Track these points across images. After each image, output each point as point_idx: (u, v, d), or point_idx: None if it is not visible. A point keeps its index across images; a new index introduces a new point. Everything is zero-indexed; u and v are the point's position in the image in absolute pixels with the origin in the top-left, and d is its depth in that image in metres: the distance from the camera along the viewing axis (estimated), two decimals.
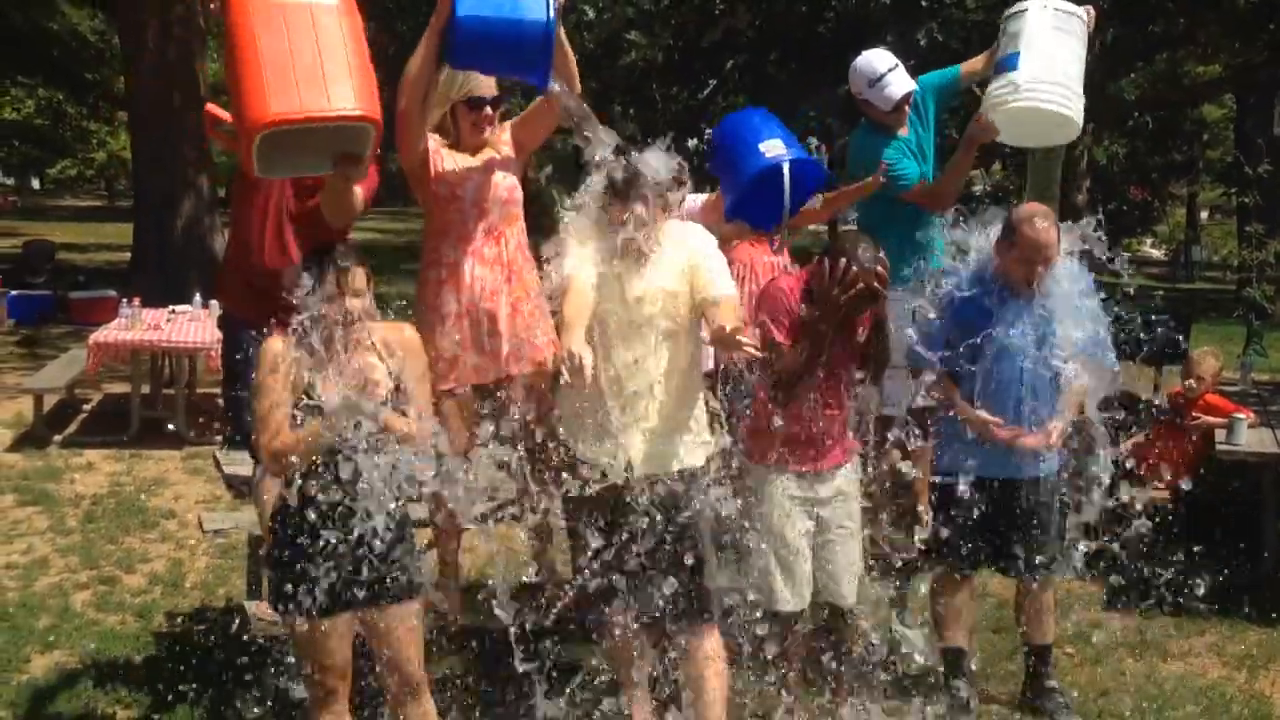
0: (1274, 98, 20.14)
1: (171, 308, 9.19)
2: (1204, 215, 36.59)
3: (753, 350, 3.33)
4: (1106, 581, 4.69)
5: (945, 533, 4.33)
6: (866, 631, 4.17)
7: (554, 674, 4.42)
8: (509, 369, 3.87)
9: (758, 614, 3.90)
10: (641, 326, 3.56)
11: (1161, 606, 4.97)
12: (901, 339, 4.23)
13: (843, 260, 3.72)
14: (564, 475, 3.77)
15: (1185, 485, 5.34)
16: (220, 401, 6.01)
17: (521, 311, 3.89)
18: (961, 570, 4.37)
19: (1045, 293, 4.14)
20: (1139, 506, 4.29)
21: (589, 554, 3.68)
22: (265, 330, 3.71)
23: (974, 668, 4.56)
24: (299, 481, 3.14)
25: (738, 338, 3.28)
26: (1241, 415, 6.00)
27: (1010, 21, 4.66)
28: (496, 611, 3.55)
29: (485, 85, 3.83)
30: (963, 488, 4.23)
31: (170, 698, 4.17)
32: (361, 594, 3.19)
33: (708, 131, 4.56)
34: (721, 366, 4.25)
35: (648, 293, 3.56)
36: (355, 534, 3.15)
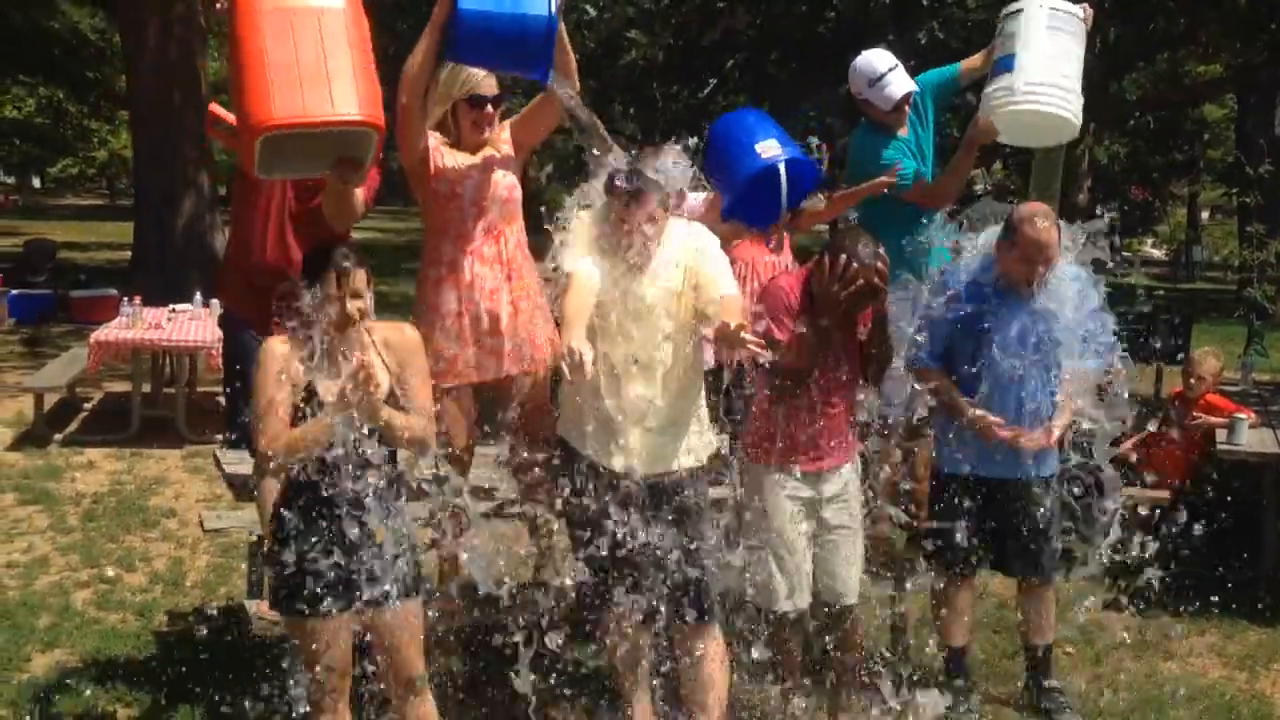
0: (1275, 97, 20.13)
1: (172, 306, 9.19)
2: (1205, 215, 36.59)
3: (757, 349, 3.32)
4: (1106, 581, 4.69)
5: (945, 533, 4.34)
6: (867, 630, 4.17)
7: (554, 673, 4.43)
8: (510, 368, 3.87)
9: (758, 614, 3.90)
10: (644, 326, 3.55)
11: (1162, 606, 4.97)
12: (901, 339, 4.23)
13: (843, 256, 3.72)
14: (565, 474, 3.78)
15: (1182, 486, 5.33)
16: (220, 400, 6.02)
17: (522, 310, 3.89)
18: (962, 570, 4.37)
19: (1046, 292, 4.14)
20: (1140, 506, 4.29)
21: (589, 554, 3.68)
22: (266, 331, 3.73)
23: (974, 667, 4.57)
24: (299, 480, 3.14)
25: (742, 335, 3.27)
26: (1242, 415, 6.00)
27: (1007, 21, 4.65)
28: (487, 586, 3.54)
29: (486, 84, 3.83)
30: (961, 487, 4.24)
31: (171, 697, 4.17)
32: (362, 593, 3.19)
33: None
34: (722, 366, 4.25)
35: (650, 292, 3.56)
36: (355, 533, 3.15)
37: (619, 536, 3.58)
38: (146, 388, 8.86)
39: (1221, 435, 5.99)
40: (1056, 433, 4.16)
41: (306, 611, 3.14)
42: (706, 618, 3.65)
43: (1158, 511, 5.00)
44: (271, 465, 3.17)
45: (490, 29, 3.47)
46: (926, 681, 4.45)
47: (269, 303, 3.92)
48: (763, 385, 3.87)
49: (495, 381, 3.89)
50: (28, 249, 16.49)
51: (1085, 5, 4.65)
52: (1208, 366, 6.54)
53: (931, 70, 5.08)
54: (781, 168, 4.33)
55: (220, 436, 5.74)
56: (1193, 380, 6.50)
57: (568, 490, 3.77)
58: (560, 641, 3.50)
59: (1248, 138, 21.21)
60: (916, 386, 4.42)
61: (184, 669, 4.37)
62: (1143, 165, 26.85)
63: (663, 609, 3.66)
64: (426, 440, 3.25)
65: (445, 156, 3.84)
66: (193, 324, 8.58)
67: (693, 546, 3.61)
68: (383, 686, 3.35)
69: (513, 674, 3.62)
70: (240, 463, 4.12)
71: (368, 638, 3.28)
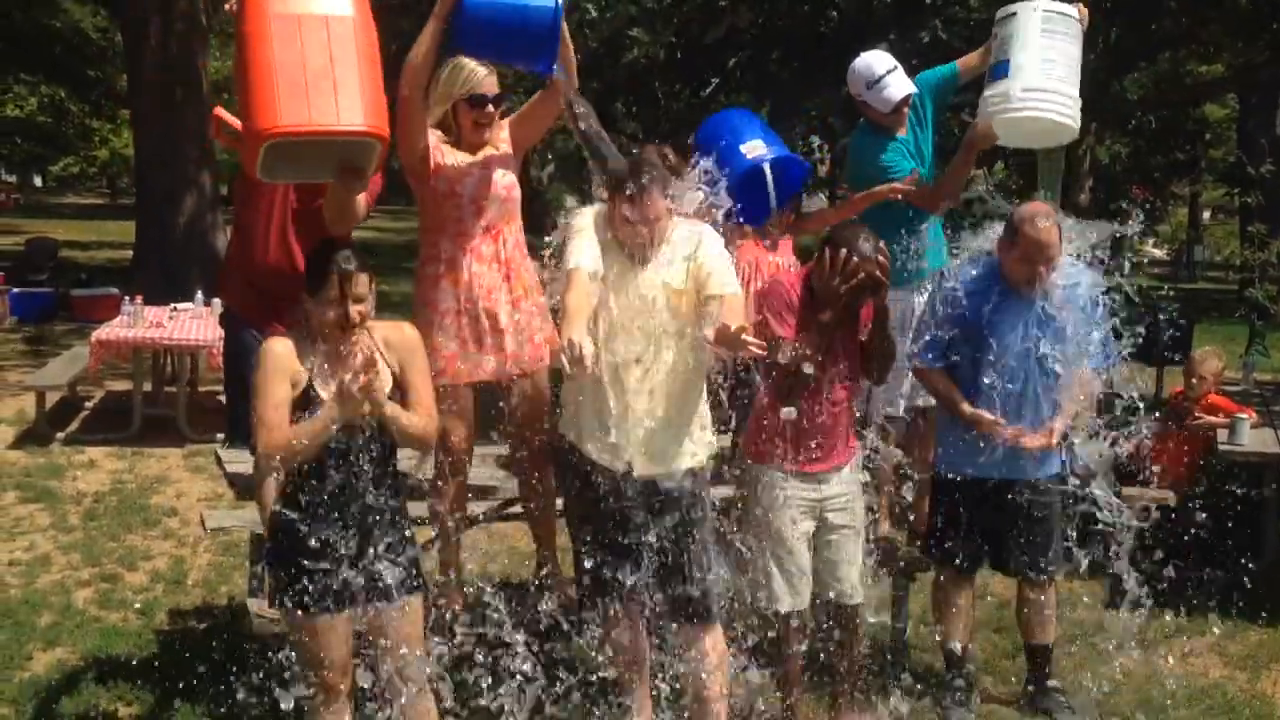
0: (1277, 97, 20.09)
1: (173, 305, 9.21)
2: (1206, 215, 36.56)
3: (756, 349, 3.32)
4: (1107, 581, 4.69)
5: (945, 532, 4.34)
6: (869, 630, 4.17)
7: (555, 673, 4.42)
8: (508, 368, 3.87)
9: (757, 613, 3.90)
10: (645, 325, 3.55)
11: (1163, 606, 4.97)
12: (900, 338, 4.23)
13: (843, 251, 3.72)
14: (566, 474, 3.78)
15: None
16: (221, 399, 6.02)
17: (521, 310, 3.89)
18: (962, 570, 4.37)
19: (1047, 292, 4.13)
20: (1140, 506, 4.29)
21: (590, 553, 3.68)
22: (267, 330, 3.72)
23: (975, 667, 4.57)
24: (299, 479, 3.14)
25: (742, 337, 3.27)
26: (1244, 415, 6.01)
27: (1001, 25, 4.64)
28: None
29: (487, 83, 3.83)
30: (963, 487, 4.24)
31: (172, 695, 4.18)
32: (362, 592, 3.20)
33: None
34: (721, 365, 4.25)
35: (652, 290, 3.56)
36: (355, 532, 3.16)
37: (619, 536, 3.58)
38: (148, 386, 8.87)
39: (1223, 435, 5.99)
40: (1057, 433, 4.16)
41: (307, 610, 3.15)
42: (707, 618, 3.65)
43: (1159, 511, 5.01)
44: (272, 464, 3.17)
45: (494, 20, 3.47)
46: (927, 682, 4.46)
47: (270, 302, 3.93)
48: (763, 384, 3.87)
49: (494, 381, 3.89)
50: (29, 247, 16.51)
51: (1080, 5, 4.64)
52: (1209, 367, 6.54)
53: (930, 70, 5.08)
54: (766, 167, 4.33)
55: (221, 435, 5.75)
56: (1194, 380, 6.50)
57: (569, 489, 3.77)
58: (560, 641, 3.50)
59: (1249, 138, 21.19)
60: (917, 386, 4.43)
61: (185, 667, 4.38)
62: (1144, 165, 26.82)
63: (664, 609, 3.66)
64: (429, 438, 3.25)
65: (445, 154, 3.84)
66: (194, 323, 8.58)
67: (693, 546, 3.61)
68: (383, 685, 3.35)
69: (513, 673, 3.62)
70: (241, 462, 4.12)
71: (368, 636, 3.28)
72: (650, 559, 3.55)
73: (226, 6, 3.43)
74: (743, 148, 4.41)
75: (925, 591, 4.72)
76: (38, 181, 43.13)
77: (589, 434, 3.60)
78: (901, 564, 4.69)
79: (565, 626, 4.03)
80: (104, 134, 32.49)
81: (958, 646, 4.41)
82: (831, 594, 4.00)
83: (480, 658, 4.12)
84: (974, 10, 12.32)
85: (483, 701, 3.98)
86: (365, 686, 3.45)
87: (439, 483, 3.99)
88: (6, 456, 7.67)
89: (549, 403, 3.97)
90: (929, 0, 12.80)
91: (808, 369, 3.76)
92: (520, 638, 3.65)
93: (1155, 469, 5.97)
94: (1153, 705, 4.39)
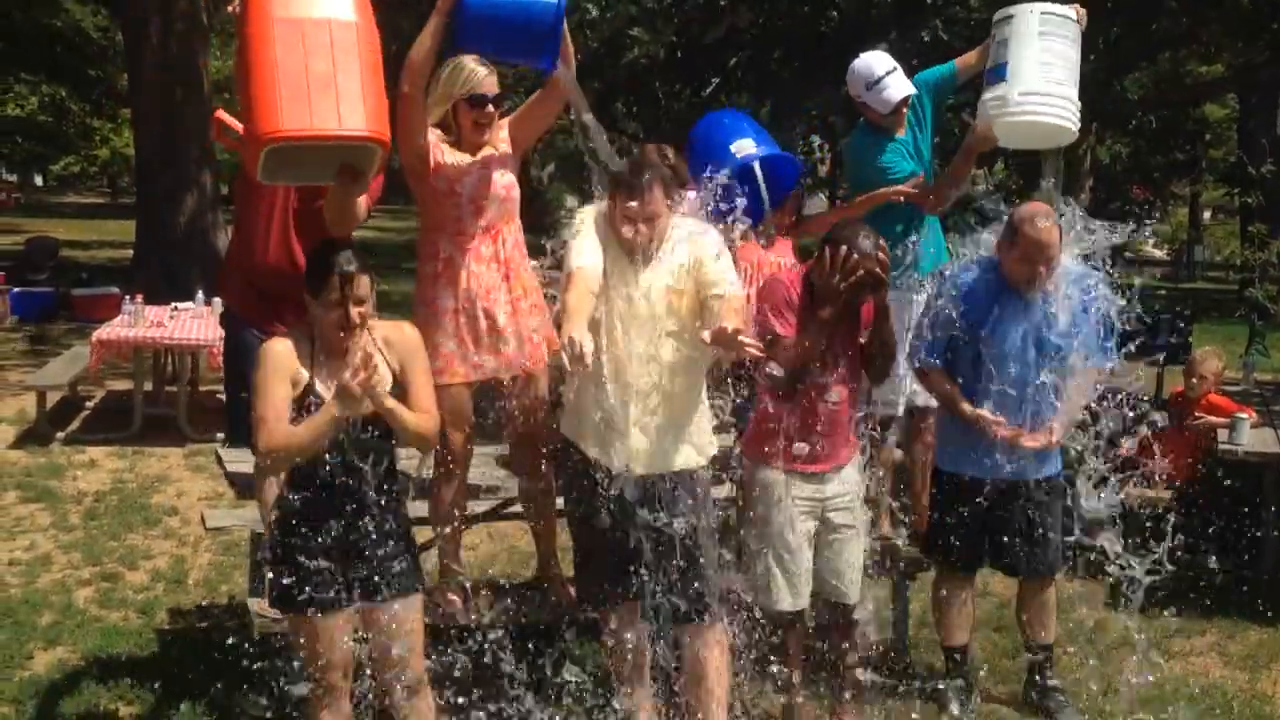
0: (1277, 97, 20.11)
1: (174, 305, 9.21)
2: (1207, 215, 36.56)
3: (753, 350, 3.31)
4: (1107, 581, 4.69)
5: (945, 532, 4.34)
6: (869, 629, 4.17)
7: (555, 671, 4.43)
8: (507, 368, 3.87)
9: (758, 613, 3.90)
10: (646, 324, 3.55)
11: (1163, 606, 4.97)
12: (900, 338, 4.22)
13: (843, 248, 3.72)
14: (566, 473, 3.78)
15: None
16: (222, 399, 6.02)
17: (520, 310, 3.89)
18: (962, 569, 4.38)
19: (1047, 293, 4.14)
20: (1140, 506, 4.29)
21: (590, 552, 3.69)
22: (267, 330, 3.73)
23: (975, 667, 4.57)
24: (300, 479, 3.15)
25: (739, 338, 3.27)
26: (1244, 415, 6.01)
27: (999, 27, 4.64)
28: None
29: (488, 83, 3.83)
30: (963, 487, 4.24)
31: (173, 694, 4.18)
32: (361, 591, 3.20)
33: None
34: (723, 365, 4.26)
35: (653, 290, 3.56)
36: (354, 531, 3.16)
37: (620, 535, 3.58)
38: (148, 386, 8.88)
39: (1223, 435, 6.00)
40: (1058, 433, 4.16)
41: (307, 610, 3.15)
42: (708, 617, 3.65)
43: (1159, 511, 5.00)
44: (273, 464, 3.18)
45: (496, 15, 3.46)
46: (927, 682, 4.47)
47: (271, 302, 3.93)
48: (764, 384, 3.86)
49: (493, 380, 3.89)
50: (30, 247, 16.52)
51: (1077, 6, 4.63)
52: (1209, 366, 6.55)
53: (928, 69, 5.08)
54: (756, 165, 4.33)
55: (221, 435, 5.76)
56: (1194, 380, 6.50)
57: (569, 488, 3.78)
58: (560, 640, 3.50)
59: (1249, 138, 21.20)
60: (917, 386, 4.43)
61: (185, 667, 4.38)
62: (1144, 165, 26.82)
63: (664, 608, 3.66)
64: (430, 436, 3.25)
65: (445, 153, 3.84)
66: (194, 322, 8.59)
67: (694, 545, 3.61)
68: (383, 684, 3.35)
69: (512, 671, 3.63)
70: (242, 461, 4.12)
71: (368, 635, 3.29)
72: (650, 558, 3.55)
73: (229, 8, 3.43)
74: (732, 147, 4.42)
75: (925, 591, 4.72)
76: (38, 181, 43.14)
77: (589, 433, 3.60)
78: (901, 564, 4.69)
79: (565, 626, 4.04)
80: (104, 133, 32.49)
81: (958, 646, 4.42)
82: (832, 594, 4.00)
83: (479, 657, 4.13)
84: (974, 10, 12.33)
85: (482, 701, 3.99)
86: (365, 686, 3.46)
87: (438, 482, 4.00)
88: (7, 456, 7.67)
89: (548, 402, 3.97)
90: (929, 0, 12.81)
91: (808, 364, 3.76)
92: (520, 637, 3.65)
93: (1156, 463, 5.99)
94: (1153, 705, 4.40)
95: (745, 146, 4.43)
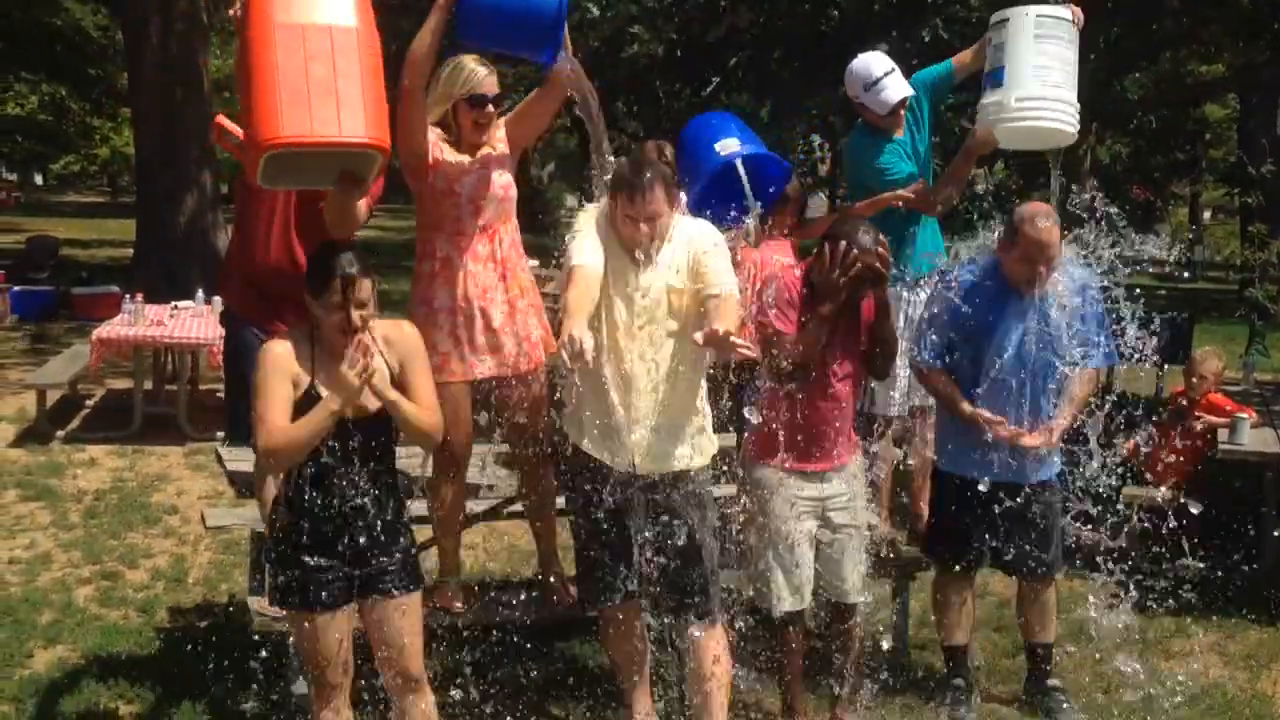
0: (1277, 97, 20.09)
1: (174, 304, 9.21)
2: (1207, 215, 36.57)
3: (745, 352, 3.31)
4: (1107, 581, 4.69)
5: (945, 532, 4.34)
6: (869, 629, 4.18)
7: (555, 670, 4.43)
8: (505, 367, 3.87)
9: (758, 612, 3.90)
10: (646, 323, 3.55)
11: (1163, 606, 4.97)
12: (898, 338, 4.22)
13: (842, 244, 3.72)
14: (566, 472, 3.78)
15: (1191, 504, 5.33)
16: (222, 397, 6.03)
17: (517, 309, 3.89)
18: (962, 569, 4.37)
19: (1047, 292, 4.13)
20: (1141, 505, 4.29)
21: (591, 551, 3.69)
22: (267, 330, 3.72)
23: (975, 666, 4.57)
24: (299, 477, 3.14)
25: (731, 339, 3.26)
26: (1244, 415, 6.01)
27: (995, 31, 4.64)
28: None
29: (487, 83, 3.83)
30: (963, 487, 4.24)
31: (173, 693, 4.18)
32: (361, 589, 3.20)
33: None
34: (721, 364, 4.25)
35: (653, 288, 3.56)
36: (354, 530, 3.16)
37: (620, 534, 3.58)
38: (148, 385, 8.87)
39: (1223, 435, 6.00)
40: (1058, 433, 4.16)
41: (307, 608, 3.15)
42: (708, 617, 3.65)
43: (1158, 511, 5.01)
44: (273, 463, 3.18)
45: (497, 8, 3.46)
46: (927, 682, 4.47)
47: (271, 301, 3.93)
48: (765, 383, 3.86)
49: (491, 380, 3.89)
50: (30, 246, 16.52)
51: (1072, 6, 4.63)
52: (1209, 366, 6.54)
53: (925, 69, 5.08)
54: (739, 163, 4.34)
55: (221, 433, 5.75)
56: (1194, 380, 6.50)
57: (570, 488, 3.77)
58: (560, 640, 3.50)
59: (1250, 138, 21.17)
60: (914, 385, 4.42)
61: (186, 665, 4.38)
62: (1144, 165, 26.84)
63: (664, 607, 3.67)
64: (434, 431, 3.24)
65: (445, 152, 3.84)
66: (194, 321, 8.59)
67: (695, 545, 3.61)
68: (383, 682, 3.36)
69: (513, 671, 3.63)
70: (242, 459, 4.12)
71: (368, 634, 3.29)
72: (651, 557, 3.55)
73: (230, 11, 3.42)
74: (717, 145, 4.42)
75: (925, 591, 4.72)
76: (38, 180, 43.18)
77: (590, 432, 3.60)
78: (901, 564, 4.69)
79: (565, 624, 4.04)
80: (105, 132, 32.53)
81: (958, 646, 4.42)
82: (833, 593, 3.99)
83: (480, 657, 4.14)
84: (974, 9, 12.33)
85: (482, 700, 4.00)
86: (365, 684, 3.47)
87: (438, 482, 4.00)
88: (7, 454, 7.67)
89: (546, 401, 3.97)
90: None
91: (808, 366, 3.76)
92: (520, 637, 3.66)
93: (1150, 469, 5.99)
94: (1153, 705, 4.40)
95: (730, 145, 4.43)
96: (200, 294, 9.18)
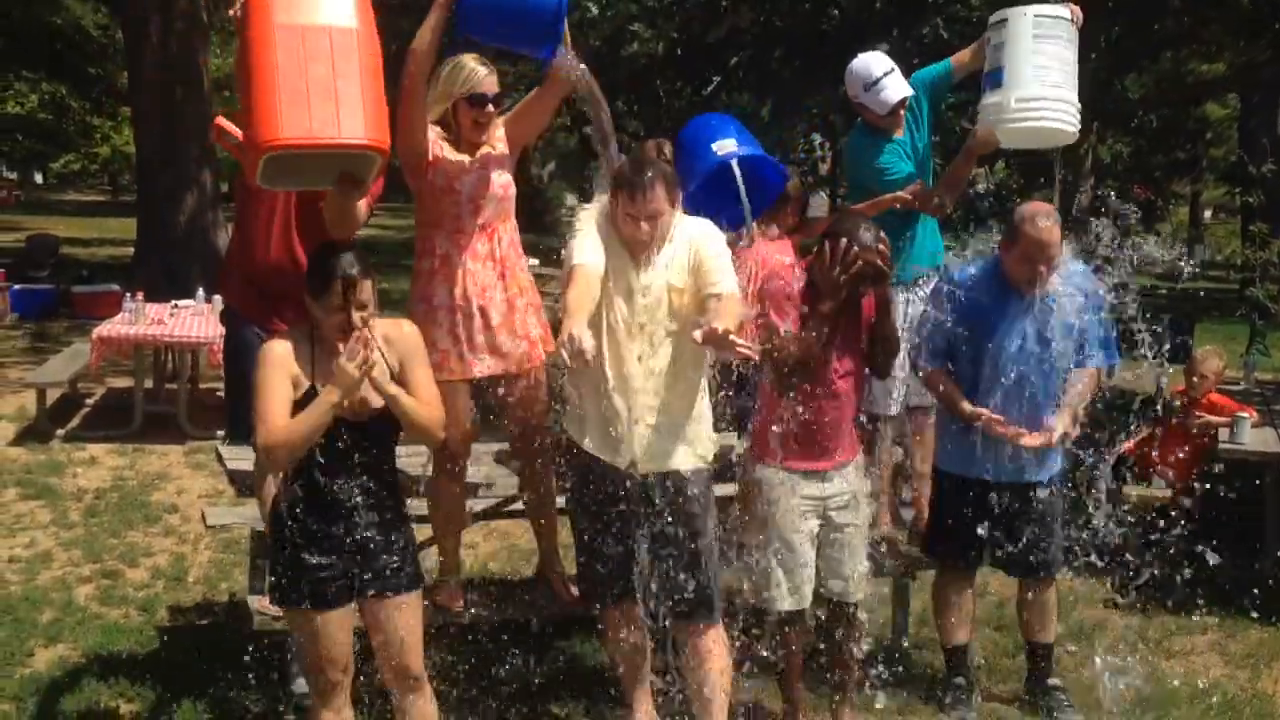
0: (1278, 97, 20.09)
1: (174, 302, 9.21)
2: (1207, 214, 36.56)
3: (745, 351, 3.30)
4: (1108, 580, 4.70)
5: (946, 531, 4.34)
6: (869, 629, 4.17)
7: (555, 670, 4.43)
8: (504, 366, 3.87)
9: (758, 612, 3.90)
10: (646, 323, 3.55)
11: (1163, 605, 4.98)
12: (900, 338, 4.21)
13: (843, 241, 3.71)
14: (567, 470, 3.77)
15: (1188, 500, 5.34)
16: (222, 396, 6.02)
17: (516, 308, 3.89)
18: (962, 569, 4.37)
19: (1048, 292, 4.13)
20: (1141, 505, 4.29)
21: (592, 551, 3.68)
22: (267, 329, 3.72)
23: (975, 666, 4.57)
24: (299, 475, 3.14)
25: (730, 339, 3.25)
26: (1245, 414, 6.01)
27: (994, 31, 4.63)
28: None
29: (488, 82, 3.82)
30: (963, 486, 4.24)
31: (173, 692, 4.18)
32: (361, 588, 3.20)
33: None
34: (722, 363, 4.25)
35: (653, 288, 3.55)
36: (354, 528, 3.16)
37: (621, 533, 3.58)
38: (149, 383, 8.88)
39: (1224, 434, 6.00)
40: (1058, 433, 4.16)
41: (307, 607, 3.15)
42: (709, 616, 3.65)
43: (1159, 510, 5.01)
44: (274, 461, 3.17)
45: (497, 5, 3.45)
46: (927, 682, 4.46)
47: (271, 300, 3.93)
48: (766, 381, 3.86)
49: (490, 378, 3.89)
50: (30, 244, 16.52)
51: (1071, 6, 4.63)
52: (1210, 365, 6.54)
53: (924, 68, 5.07)
54: (734, 164, 4.34)
55: (222, 432, 5.76)
56: (1195, 379, 6.50)
57: (571, 487, 3.77)
58: (561, 637, 3.50)
59: (1251, 137, 21.17)
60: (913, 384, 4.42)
61: (186, 664, 4.38)
62: (1145, 164, 26.81)
63: (665, 606, 3.66)
64: (436, 427, 3.23)
65: (445, 150, 3.84)
66: (195, 320, 8.59)
67: (696, 544, 3.61)
68: (383, 681, 3.36)
69: (513, 670, 3.63)
70: (242, 458, 4.12)
71: (368, 633, 3.29)
72: (651, 556, 3.55)
73: (230, 11, 3.42)
74: (714, 145, 4.42)
75: (925, 591, 4.72)
76: (39, 178, 43.16)
77: (590, 431, 3.60)
78: (901, 564, 4.69)
79: (566, 623, 4.04)
80: (105, 131, 32.51)
81: (958, 645, 4.42)
82: (833, 593, 3.99)
83: (480, 656, 4.14)
84: (975, 8, 12.33)
85: (482, 699, 4.00)
86: (365, 682, 3.47)
87: (438, 480, 4.00)
88: (7, 453, 7.67)
89: (546, 400, 3.98)
90: None
91: (809, 365, 3.75)
92: (520, 636, 3.65)
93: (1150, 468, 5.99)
94: (1153, 705, 4.40)
95: (726, 145, 4.43)
96: (200, 293, 9.18)
